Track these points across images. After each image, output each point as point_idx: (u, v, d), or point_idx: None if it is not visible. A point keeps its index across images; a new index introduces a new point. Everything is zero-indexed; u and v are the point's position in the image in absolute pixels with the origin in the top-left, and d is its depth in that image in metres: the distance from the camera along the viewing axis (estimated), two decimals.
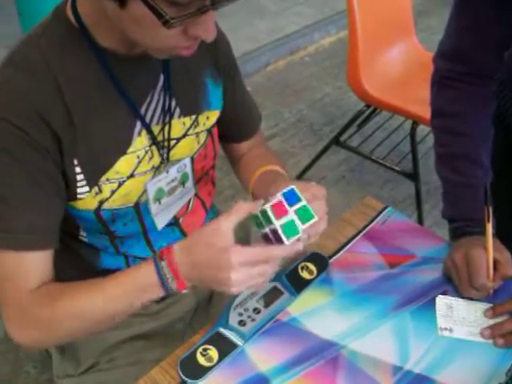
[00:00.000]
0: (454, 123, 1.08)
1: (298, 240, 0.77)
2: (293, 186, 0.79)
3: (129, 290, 0.80)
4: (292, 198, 0.78)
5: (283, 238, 0.76)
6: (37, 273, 0.83)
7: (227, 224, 0.75)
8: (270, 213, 0.76)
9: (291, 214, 0.77)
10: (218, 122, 1.03)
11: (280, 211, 0.76)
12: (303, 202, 0.78)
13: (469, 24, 1.00)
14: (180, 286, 0.78)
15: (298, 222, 0.77)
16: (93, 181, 0.85)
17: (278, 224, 0.76)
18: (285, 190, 0.78)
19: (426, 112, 2.08)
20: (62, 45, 0.80)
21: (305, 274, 1.01)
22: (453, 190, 1.08)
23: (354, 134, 2.66)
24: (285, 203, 0.77)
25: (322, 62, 3.63)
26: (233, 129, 1.10)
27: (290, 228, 0.76)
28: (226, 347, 0.89)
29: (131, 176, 0.89)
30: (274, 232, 0.76)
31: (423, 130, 2.42)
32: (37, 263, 0.83)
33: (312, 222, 0.78)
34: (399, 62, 2.41)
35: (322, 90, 3.32)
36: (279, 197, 0.78)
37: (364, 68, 2.21)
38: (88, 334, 0.90)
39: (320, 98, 3.23)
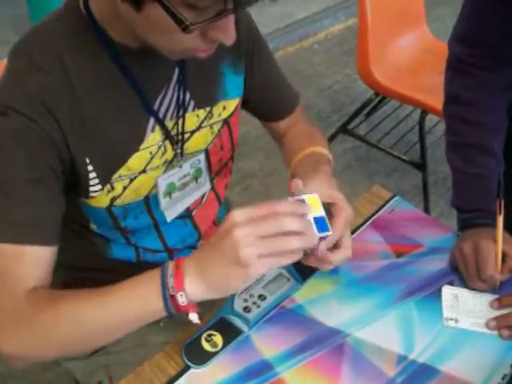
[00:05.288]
0: (469, 112, 1.06)
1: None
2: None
3: (130, 291, 0.74)
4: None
5: None
6: (35, 270, 0.78)
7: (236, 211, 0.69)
8: None
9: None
10: (249, 104, 1.03)
11: None
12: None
13: (485, 7, 0.99)
14: (178, 283, 0.69)
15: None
16: (105, 179, 0.84)
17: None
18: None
19: (435, 101, 2.11)
20: (74, 38, 0.79)
21: None
22: (464, 180, 1.07)
23: (362, 122, 2.65)
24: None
25: (331, 49, 3.61)
26: (267, 109, 1.09)
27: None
28: (230, 333, 0.89)
29: (143, 172, 0.88)
30: None
31: (431, 119, 2.41)
32: (35, 259, 0.78)
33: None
34: (409, 51, 2.39)
35: (330, 77, 3.30)
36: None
37: (374, 56, 2.20)
38: (86, 346, 0.84)
39: (328, 86, 3.22)
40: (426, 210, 2.36)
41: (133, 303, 0.73)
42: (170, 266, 0.71)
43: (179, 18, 0.64)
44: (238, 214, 0.67)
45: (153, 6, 0.64)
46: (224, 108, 0.96)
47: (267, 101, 1.07)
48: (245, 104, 1.04)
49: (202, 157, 0.96)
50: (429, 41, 2.47)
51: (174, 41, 0.70)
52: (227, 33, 0.70)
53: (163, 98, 0.87)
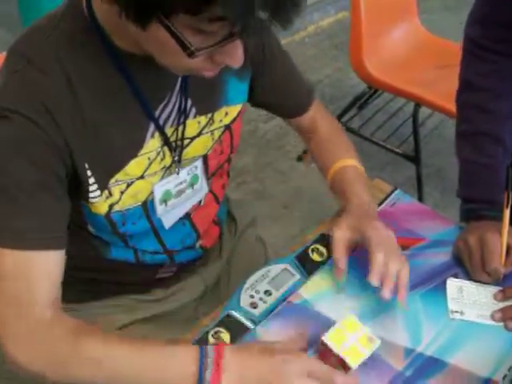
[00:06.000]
0: (482, 97, 1.05)
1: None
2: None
3: (162, 370, 0.76)
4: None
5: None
6: (46, 275, 0.79)
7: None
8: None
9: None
10: (265, 104, 1.04)
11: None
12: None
13: None
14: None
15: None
16: (103, 184, 0.83)
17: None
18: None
19: (428, 94, 2.11)
20: (76, 42, 0.77)
21: (315, 257, 1.00)
22: (472, 169, 1.06)
23: (355, 116, 2.65)
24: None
25: (322, 42, 3.59)
26: (282, 108, 1.09)
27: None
28: (237, 330, 0.88)
29: (141, 177, 0.87)
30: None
31: (424, 112, 2.41)
32: (46, 264, 0.79)
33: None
34: (402, 43, 2.38)
35: (321, 71, 3.29)
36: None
37: (366, 49, 2.19)
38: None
39: (320, 80, 3.21)
40: (420, 202, 2.36)
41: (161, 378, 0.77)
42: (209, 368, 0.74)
43: (184, 43, 0.64)
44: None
45: (158, 27, 0.64)
46: (226, 114, 0.95)
47: (281, 100, 1.06)
48: (261, 105, 1.05)
49: (199, 163, 0.95)
50: (421, 33, 2.45)
51: (179, 62, 0.70)
52: (234, 57, 0.70)
53: (166, 105, 0.85)
